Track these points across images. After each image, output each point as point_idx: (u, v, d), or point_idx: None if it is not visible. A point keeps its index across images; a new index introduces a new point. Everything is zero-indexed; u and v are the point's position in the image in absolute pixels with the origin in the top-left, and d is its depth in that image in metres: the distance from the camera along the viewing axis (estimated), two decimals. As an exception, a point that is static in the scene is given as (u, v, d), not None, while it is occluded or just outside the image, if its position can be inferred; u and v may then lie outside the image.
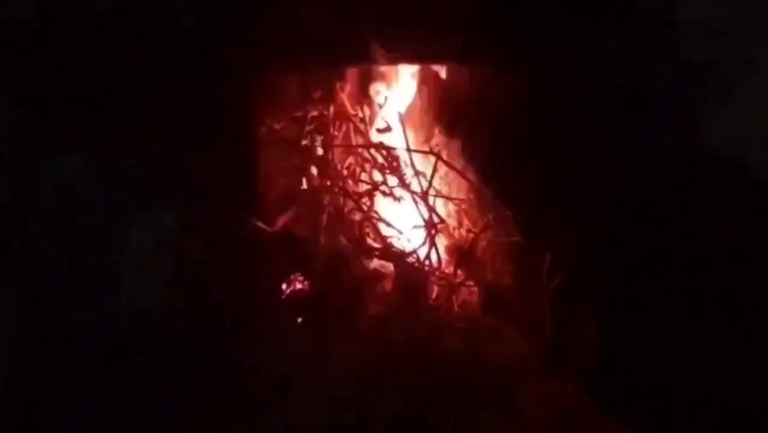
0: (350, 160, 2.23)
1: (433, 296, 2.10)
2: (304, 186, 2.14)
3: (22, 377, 1.42)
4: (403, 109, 2.16)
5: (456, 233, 2.17)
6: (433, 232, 2.12)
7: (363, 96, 2.21)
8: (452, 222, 2.18)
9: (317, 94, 2.12)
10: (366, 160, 2.22)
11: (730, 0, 1.47)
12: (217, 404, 1.57)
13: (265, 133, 1.99)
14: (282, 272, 2.06)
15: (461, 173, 2.08)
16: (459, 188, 2.15)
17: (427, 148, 2.15)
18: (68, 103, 1.44)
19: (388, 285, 2.11)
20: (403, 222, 2.17)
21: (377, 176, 2.21)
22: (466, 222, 2.15)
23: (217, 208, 1.68)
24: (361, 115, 2.20)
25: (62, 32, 1.43)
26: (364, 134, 2.21)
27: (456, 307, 2.07)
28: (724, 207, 1.46)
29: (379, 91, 2.19)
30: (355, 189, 2.22)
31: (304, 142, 2.12)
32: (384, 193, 2.19)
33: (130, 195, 1.53)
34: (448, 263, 2.15)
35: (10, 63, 1.40)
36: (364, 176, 2.23)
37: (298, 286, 2.08)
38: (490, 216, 2.02)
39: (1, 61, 1.39)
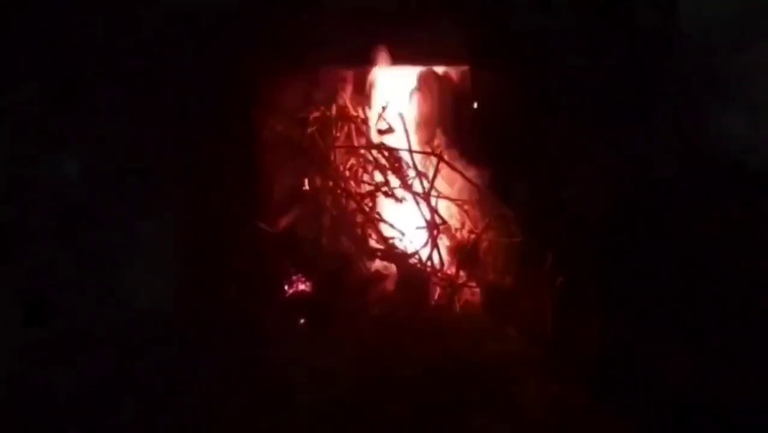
0: (352, 161, 2.23)
1: (435, 296, 2.10)
2: (307, 187, 2.14)
3: (22, 377, 1.42)
4: (405, 111, 2.16)
5: (458, 234, 2.17)
6: (435, 233, 2.12)
7: (365, 97, 2.21)
8: (454, 223, 2.19)
9: (320, 96, 2.13)
10: (368, 161, 2.22)
11: (731, 2, 1.46)
12: (218, 404, 1.57)
13: (268, 135, 1.99)
14: (284, 272, 2.07)
15: (463, 174, 2.08)
16: (461, 189, 2.15)
17: (429, 150, 2.15)
18: (69, 103, 1.45)
19: (390, 286, 2.11)
20: (405, 223, 2.17)
21: (379, 177, 2.21)
22: (467, 223, 2.15)
23: (220, 209, 1.68)
24: (363, 116, 2.21)
25: (64, 31, 1.44)
26: (366, 135, 2.21)
27: (458, 307, 2.07)
28: (724, 208, 1.46)
29: (381, 92, 2.19)
30: (358, 190, 2.22)
31: (306, 143, 2.12)
32: (386, 195, 2.20)
33: (132, 195, 1.54)
34: (450, 263, 2.15)
35: (11, 62, 1.41)
36: (366, 177, 2.23)
37: (301, 286, 2.09)
38: (492, 217, 2.02)
39: (2, 60, 1.40)
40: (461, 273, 2.11)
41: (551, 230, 1.74)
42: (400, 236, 2.16)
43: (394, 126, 2.18)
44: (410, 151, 2.13)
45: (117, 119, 1.51)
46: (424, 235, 2.13)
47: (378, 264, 2.16)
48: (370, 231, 2.18)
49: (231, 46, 1.61)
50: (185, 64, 1.57)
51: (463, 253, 2.11)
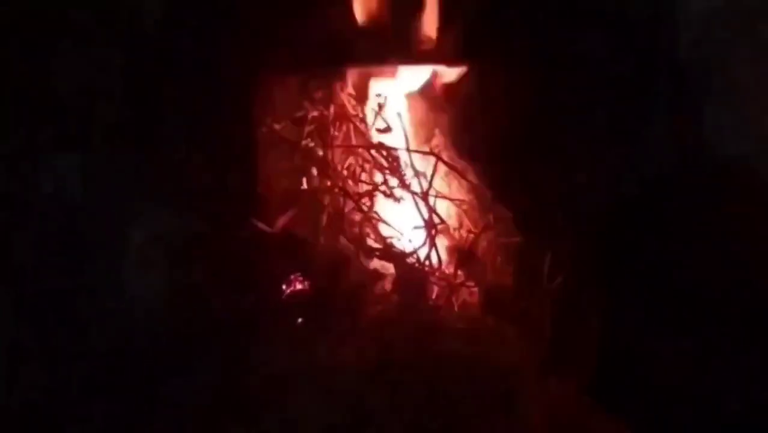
0: (350, 160, 2.22)
1: (433, 296, 2.10)
2: (304, 186, 2.14)
3: (22, 377, 1.42)
4: (403, 110, 2.16)
5: (456, 234, 2.17)
6: (433, 232, 2.11)
7: (363, 96, 2.20)
8: (453, 223, 2.18)
9: (318, 95, 2.12)
10: (366, 160, 2.22)
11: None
12: (217, 405, 1.57)
13: (266, 134, 1.99)
14: (282, 272, 2.06)
15: (461, 174, 2.08)
16: (459, 189, 2.15)
17: (427, 149, 2.15)
18: (68, 103, 1.44)
19: (388, 286, 2.11)
20: (403, 223, 2.17)
21: (377, 177, 2.20)
22: (466, 223, 2.15)
23: (216, 209, 1.68)
24: (361, 115, 2.20)
25: (63, 31, 1.43)
26: (365, 135, 2.20)
27: (456, 308, 2.07)
28: (723, 207, 1.46)
29: (379, 91, 2.19)
30: (356, 189, 2.21)
31: (304, 143, 2.11)
32: (384, 194, 2.19)
33: (130, 195, 1.53)
34: (449, 263, 2.14)
35: (9, 63, 1.40)
36: (364, 177, 2.23)
37: (298, 286, 2.08)
38: (491, 216, 2.02)
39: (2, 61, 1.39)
40: (459, 273, 2.10)
41: (550, 229, 1.74)
42: (398, 235, 2.16)
43: (392, 125, 2.17)
44: (408, 150, 2.12)
45: (114, 119, 1.51)
46: (422, 234, 2.13)
47: (376, 263, 2.15)
48: (368, 230, 2.18)
49: (230, 45, 1.61)
50: (181, 62, 1.56)
51: (461, 253, 2.10)
